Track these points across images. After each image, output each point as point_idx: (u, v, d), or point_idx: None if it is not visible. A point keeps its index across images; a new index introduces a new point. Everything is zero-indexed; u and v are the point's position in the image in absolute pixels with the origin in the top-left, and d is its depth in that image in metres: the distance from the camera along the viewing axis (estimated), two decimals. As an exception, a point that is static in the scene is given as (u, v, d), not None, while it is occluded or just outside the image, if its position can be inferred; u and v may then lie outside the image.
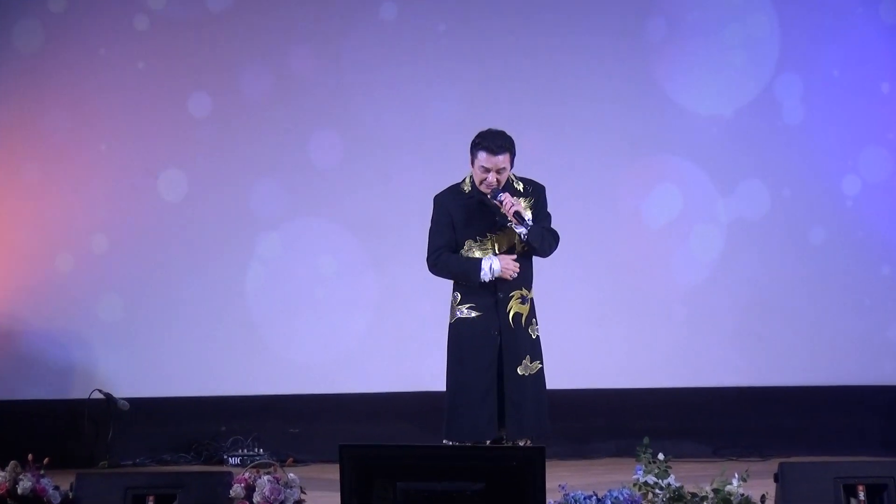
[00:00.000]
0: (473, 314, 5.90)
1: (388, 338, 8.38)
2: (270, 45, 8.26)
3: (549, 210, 6.09)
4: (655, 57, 8.38)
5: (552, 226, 6.10)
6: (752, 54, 8.38)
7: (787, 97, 8.50)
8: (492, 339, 5.89)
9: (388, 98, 8.33)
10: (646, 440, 5.96)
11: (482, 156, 5.80)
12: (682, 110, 8.42)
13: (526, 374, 5.99)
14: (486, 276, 5.82)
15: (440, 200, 6.00)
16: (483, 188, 5.84)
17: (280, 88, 8.34)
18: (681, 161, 8.44)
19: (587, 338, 8.30)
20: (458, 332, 5.94)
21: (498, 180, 5.83)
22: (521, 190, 6.01)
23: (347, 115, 8.32)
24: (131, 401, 8.17)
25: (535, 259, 6.15)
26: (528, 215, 5.85)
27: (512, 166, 5.92)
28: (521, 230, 5.81)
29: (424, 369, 7.55)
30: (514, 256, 5.88)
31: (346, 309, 8.38)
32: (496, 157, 5.82)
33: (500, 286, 5.88)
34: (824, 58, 8.41)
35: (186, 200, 8.33)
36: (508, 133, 6.09)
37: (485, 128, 6.07)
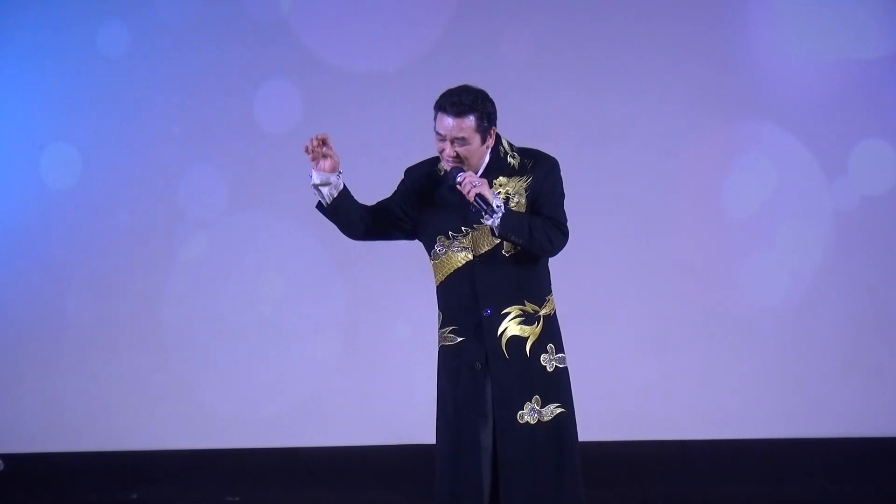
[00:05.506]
0: (457, 340, 5.59)
1: (361, 372, 7.98)
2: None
3: (563, 190, 5.63)
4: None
5: (563, 212, 5.61)
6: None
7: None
8: (474, 375, 5.52)
9: (367, 31, 7.82)
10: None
11: (436, 118, 5.54)
12: (776, 54, 7.84)
13: (533, 423, 5.46)
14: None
15: (409, 172, 5.71)
16: (445, 166, 5.59)
17: (204, 22, 7.85)
18: (775, 125, 7.86)
19: (641, 371, 7.88)
20: (440, 365, 5.66)
21: (459, 154, 5.48)
22: (516, 166, 5.60)
23: (309, 55, 7.86)
24: (5, 458, 7.73)
25: (555, 260, 5.54)
26: (497, 201, 5.44)
27: (484, 137, 5.51)
28: (489, 220, 5.47)
29: (409, 414, 7.39)
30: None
31: (302, 333, 7.97)
32: (451, 120, 5.46)
33: (484, 298, 5.51)
34: None
35: (81, 186, 7.92)
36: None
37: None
